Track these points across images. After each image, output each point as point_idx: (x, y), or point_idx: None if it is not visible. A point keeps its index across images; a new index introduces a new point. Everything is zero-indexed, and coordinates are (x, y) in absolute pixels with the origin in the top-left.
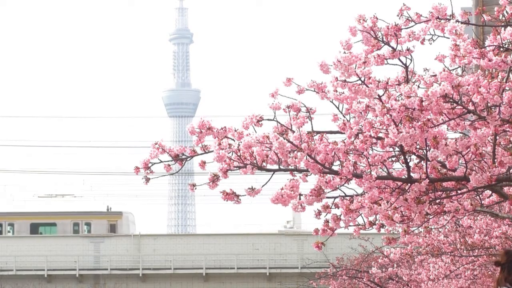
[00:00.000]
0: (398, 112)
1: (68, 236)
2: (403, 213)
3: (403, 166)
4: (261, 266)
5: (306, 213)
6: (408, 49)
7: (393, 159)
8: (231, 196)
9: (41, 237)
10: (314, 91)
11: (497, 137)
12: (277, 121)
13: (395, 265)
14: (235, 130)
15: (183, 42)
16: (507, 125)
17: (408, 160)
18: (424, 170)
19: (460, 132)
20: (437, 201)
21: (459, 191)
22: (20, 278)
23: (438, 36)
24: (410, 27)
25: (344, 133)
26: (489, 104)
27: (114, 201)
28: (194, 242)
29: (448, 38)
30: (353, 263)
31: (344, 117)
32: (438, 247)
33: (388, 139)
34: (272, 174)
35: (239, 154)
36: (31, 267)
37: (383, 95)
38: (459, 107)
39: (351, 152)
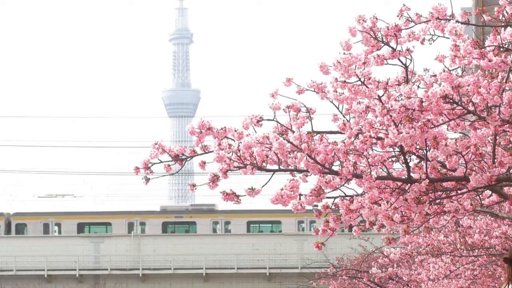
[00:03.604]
0: (398, 113)
1: (68, 236)
2: (403, 213)
3: (403, 166)
4: (261, 266)
5: None
6: (408, 49)
7: (393, 159)
8: (231, 196)
9: (41, 237)
10: (314, 91)
11: (497, 137)
12: (277, 121)
13: (395, 265)
14: (235, 130)
15: (183, 42)
16: (507, 125)
17: (408, 160)
18: (424, 170)
19: (460, 132)
20: (437, 201)
21: (459, 191)
22: (20, 278)
23: (438, 36)
24: (410, 27)
25: (344, 133)
26: (489, 104)
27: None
28: (194, 242)
29: (448, 38)
30: (353, 263)
31: (344, 117)
32: (438, 247)
33: (388, 139)
34: (272, 175)
35: (239, 154)
36: (31, 267)
37: (383, 95)
38: (459, 107)
39: (351, 152)
